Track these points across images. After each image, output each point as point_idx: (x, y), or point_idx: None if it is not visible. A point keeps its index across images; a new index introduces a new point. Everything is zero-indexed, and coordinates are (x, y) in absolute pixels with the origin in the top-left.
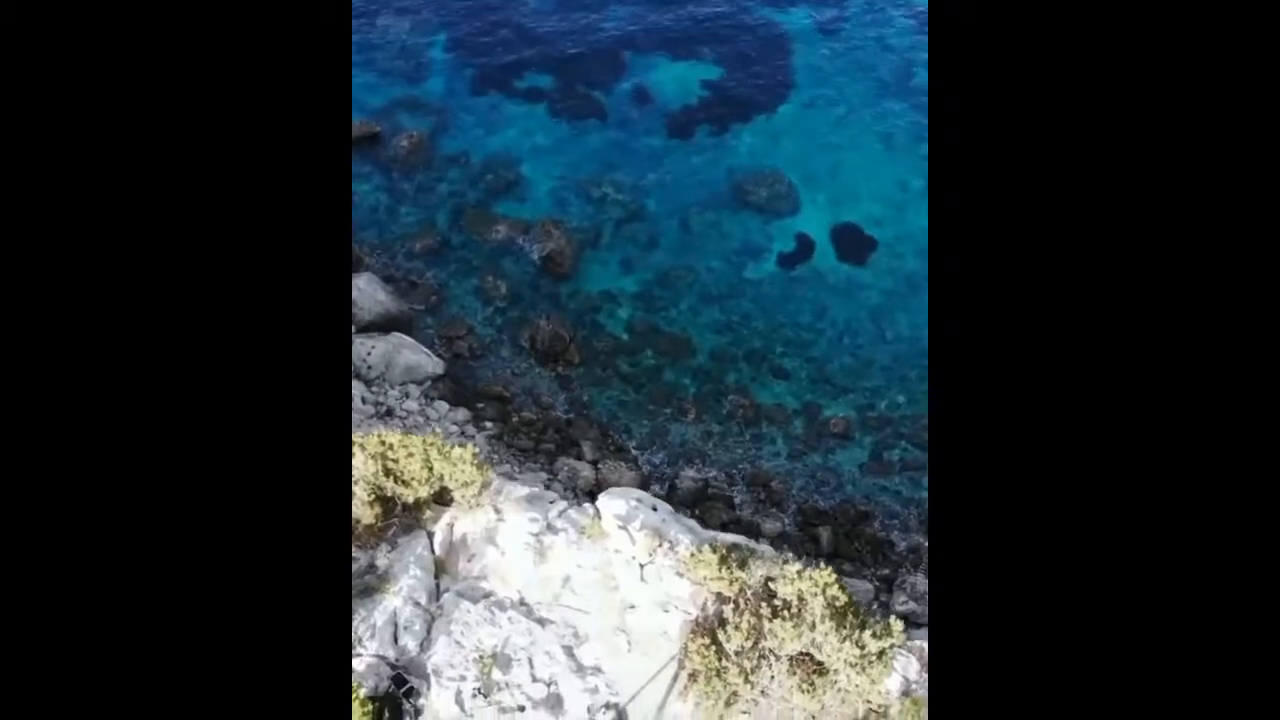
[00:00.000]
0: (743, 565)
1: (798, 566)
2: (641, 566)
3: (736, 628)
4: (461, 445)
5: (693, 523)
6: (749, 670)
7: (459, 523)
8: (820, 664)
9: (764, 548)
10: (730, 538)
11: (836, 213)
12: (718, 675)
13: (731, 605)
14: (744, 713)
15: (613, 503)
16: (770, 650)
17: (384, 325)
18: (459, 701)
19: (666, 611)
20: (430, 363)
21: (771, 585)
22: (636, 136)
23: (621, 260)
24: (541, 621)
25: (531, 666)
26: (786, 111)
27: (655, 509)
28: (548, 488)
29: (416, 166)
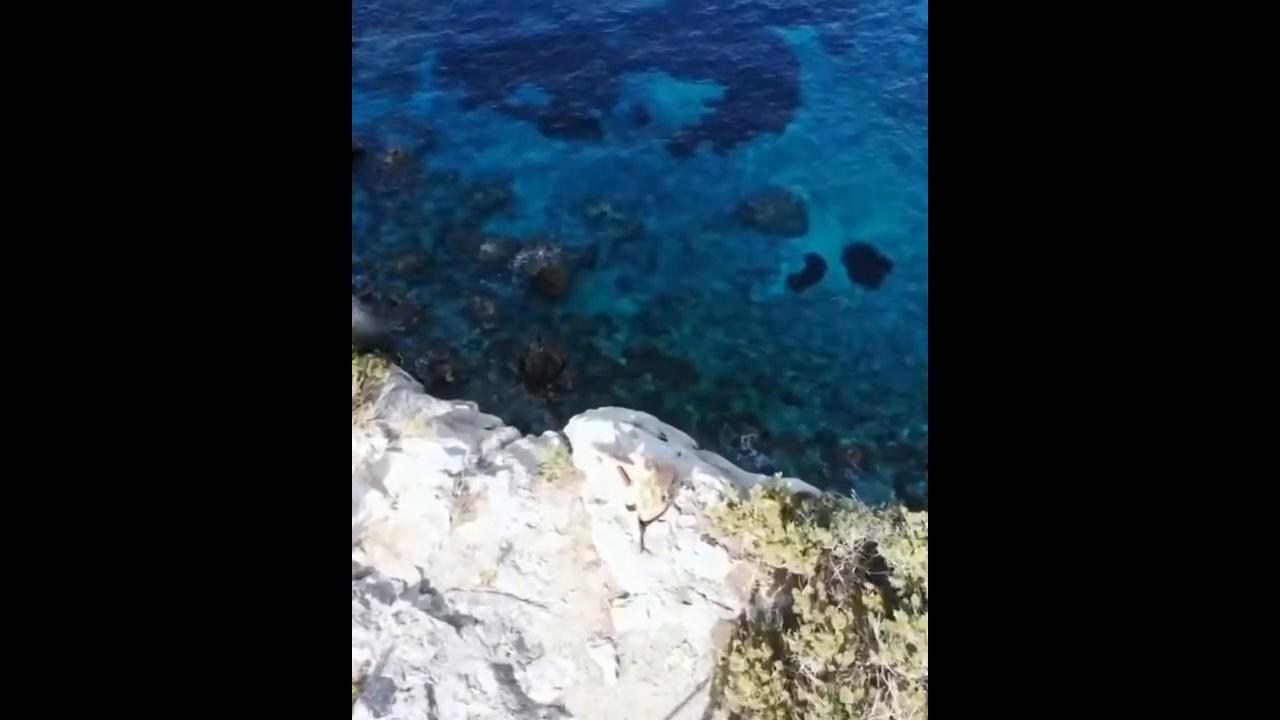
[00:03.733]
0: (824, 522)
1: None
2: (642, 526)
3: (821, 630)
4: None
5: (727, 463)
6: (849, 708)
7: None
8: None
9: (851, 501)
10: (795, 483)
11: (848, 232)
12: (789, 718)
13: (809, 592)
14: None
15: (593, 427)
16: (887, 670)
17: (359, 347)
18: None
19: (687, 604)
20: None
21: (880, 553)
22: (636, 155)
23: (619, 281)
24: (457, 621)
25: (432, 702)
26: (794, 130)
27: (664, 438)
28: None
29: (401, 184)
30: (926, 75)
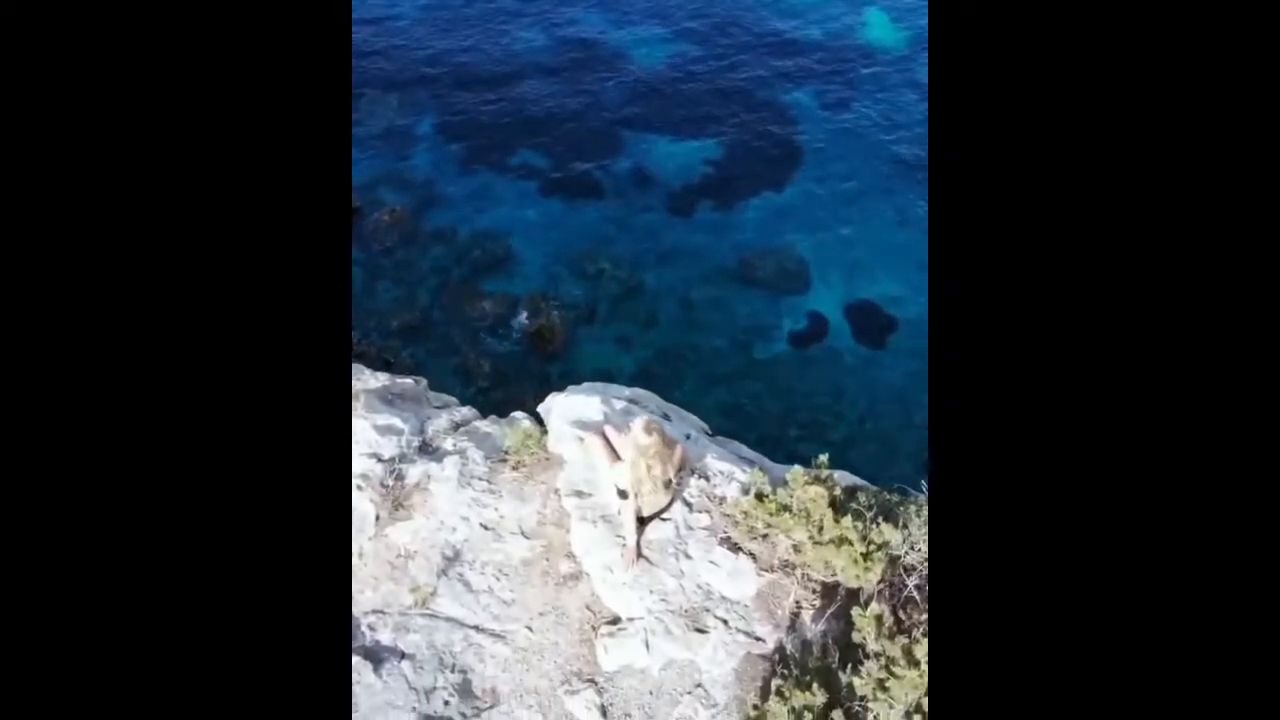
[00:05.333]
0: (888, 517)
1: None
2: (640, 526)
3: (896, 665)
4: None
5: (751, 451)
6: None
7: None
8: None
9: (922, 494)
10: (843, 475)
11: (851, 291)
12: None
13: (875, 612)
14: None
15: (575, 403)
16: None
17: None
18: None
19: (702, 632)
20: None
21: None
22: (635, 213)
23: (618, 338)
24: (375, 656)
25: None
26: (794, 189)
27: (668, 418)
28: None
29: (397, 242)
30: (926, 132)
